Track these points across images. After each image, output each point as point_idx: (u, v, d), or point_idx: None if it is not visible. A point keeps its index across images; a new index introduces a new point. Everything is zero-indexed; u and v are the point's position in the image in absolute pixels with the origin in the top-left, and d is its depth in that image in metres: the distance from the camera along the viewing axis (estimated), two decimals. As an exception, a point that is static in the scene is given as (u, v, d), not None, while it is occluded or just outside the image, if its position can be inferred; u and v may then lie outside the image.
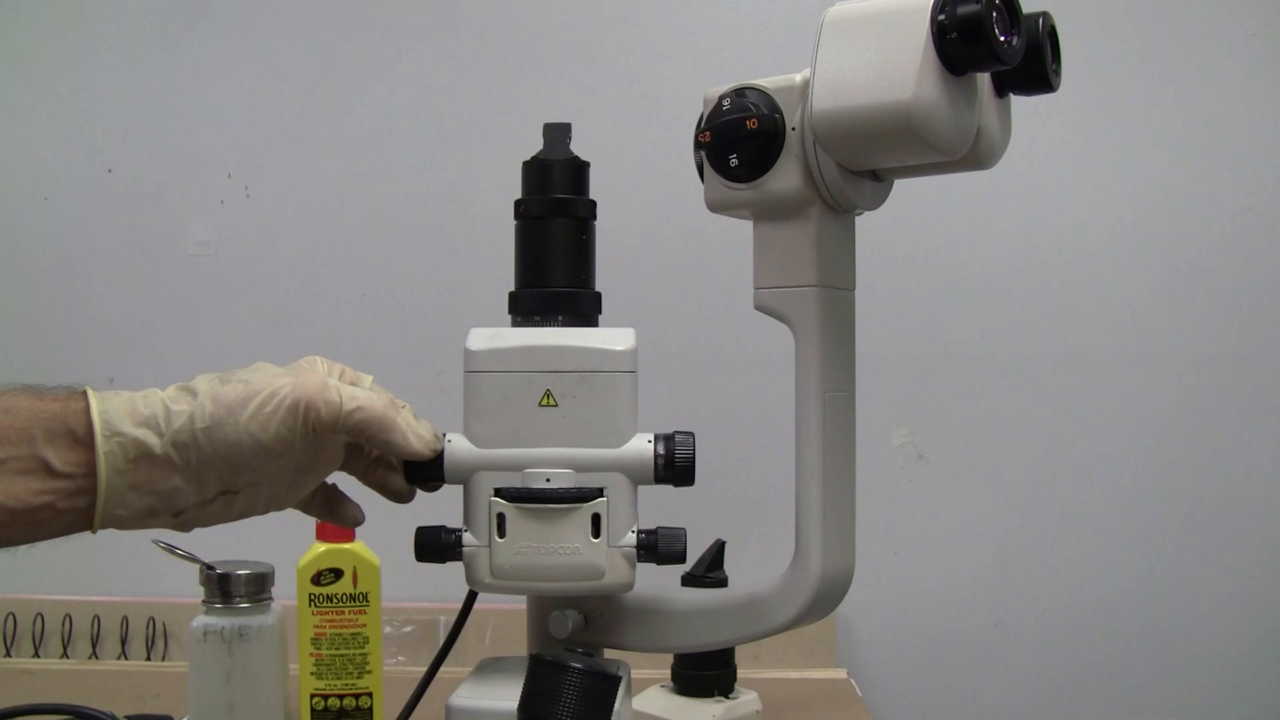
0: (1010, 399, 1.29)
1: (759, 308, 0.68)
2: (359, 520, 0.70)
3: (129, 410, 0.58)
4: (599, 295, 0.71)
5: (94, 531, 0.59)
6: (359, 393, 0.62)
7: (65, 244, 1.32)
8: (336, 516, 0.70)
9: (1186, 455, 1.28)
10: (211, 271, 1.31)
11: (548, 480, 0.63)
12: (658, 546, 0.65)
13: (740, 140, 0.64)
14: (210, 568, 0.87)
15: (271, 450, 0.59)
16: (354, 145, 1.31)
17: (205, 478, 0.59)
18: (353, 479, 0.69)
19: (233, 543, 0.88)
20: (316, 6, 1.32)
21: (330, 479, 0.68)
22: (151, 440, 0.58)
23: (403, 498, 0.68)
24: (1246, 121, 1.28)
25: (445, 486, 0.66)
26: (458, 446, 0.65)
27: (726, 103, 0.65)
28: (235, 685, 0.86)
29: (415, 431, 0.63)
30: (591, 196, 0.72)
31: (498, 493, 0.64)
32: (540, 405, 0.64)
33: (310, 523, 0.88)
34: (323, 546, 0.89)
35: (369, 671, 0.90)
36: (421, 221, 1.30)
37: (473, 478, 0.65)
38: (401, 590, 1.04)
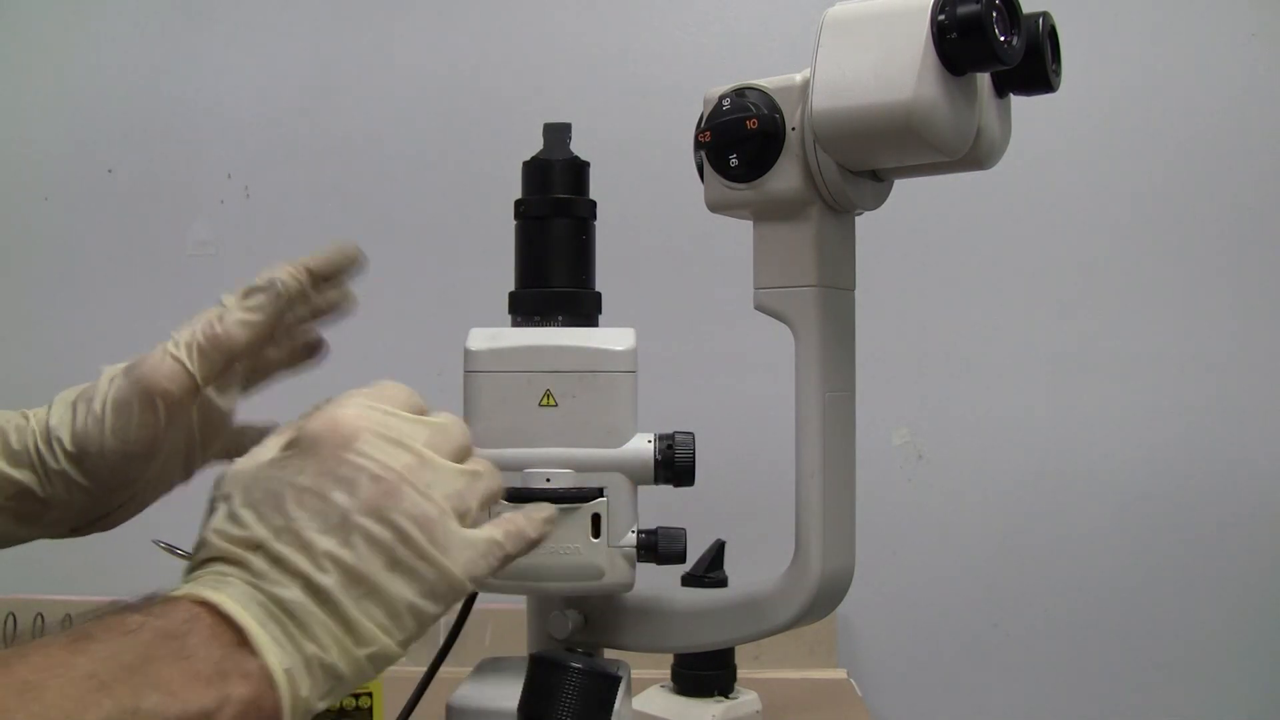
0: (1010, 399, 1.29)
1: (759, 308, 0.68)
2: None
3: (2, 447, 0.56)
4: (599, 295, 0.71)
5: None
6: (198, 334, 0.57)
7: (65, 244, 1.32)
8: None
9: (1186, 455, 1.28)
10: (211, 271, 1.31)
11: (548, 480, 0.63)
12: (658, 546, 0.65)
13: (740, 140, 0.64)
14: (210, 568, 0.87)
15: (144, 454, 0.56)
16: (354, 145, 1.31)
17: (94, 498, 0.57)
18: None
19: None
20: (317, 6, 1.32)
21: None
22: (29, 480, 0.56)
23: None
24: (1246, 122, 1.28)
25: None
26: (458, 446, 0.65)
27: (726, 103, 0.65)
28: (235, 685, 0.86)
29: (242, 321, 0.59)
30: (591, 196, 0.72)
31: (498, 492, 0.64)
32: (540, 405, 0.64)
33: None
34: (323, 546, 0.89)
35: (369, 671, 0.89)
36: (421, 221, 1.30)
37: (473, 478, 0.65)
38: (401, 590, 1.04)
